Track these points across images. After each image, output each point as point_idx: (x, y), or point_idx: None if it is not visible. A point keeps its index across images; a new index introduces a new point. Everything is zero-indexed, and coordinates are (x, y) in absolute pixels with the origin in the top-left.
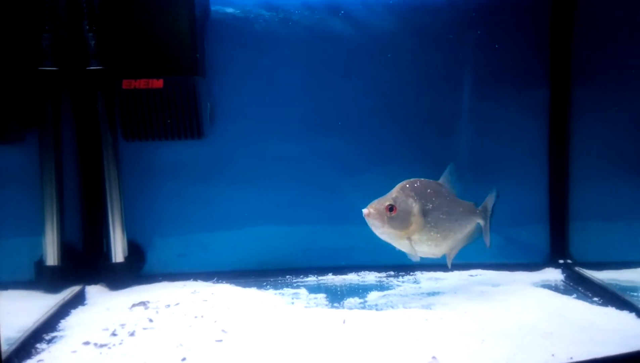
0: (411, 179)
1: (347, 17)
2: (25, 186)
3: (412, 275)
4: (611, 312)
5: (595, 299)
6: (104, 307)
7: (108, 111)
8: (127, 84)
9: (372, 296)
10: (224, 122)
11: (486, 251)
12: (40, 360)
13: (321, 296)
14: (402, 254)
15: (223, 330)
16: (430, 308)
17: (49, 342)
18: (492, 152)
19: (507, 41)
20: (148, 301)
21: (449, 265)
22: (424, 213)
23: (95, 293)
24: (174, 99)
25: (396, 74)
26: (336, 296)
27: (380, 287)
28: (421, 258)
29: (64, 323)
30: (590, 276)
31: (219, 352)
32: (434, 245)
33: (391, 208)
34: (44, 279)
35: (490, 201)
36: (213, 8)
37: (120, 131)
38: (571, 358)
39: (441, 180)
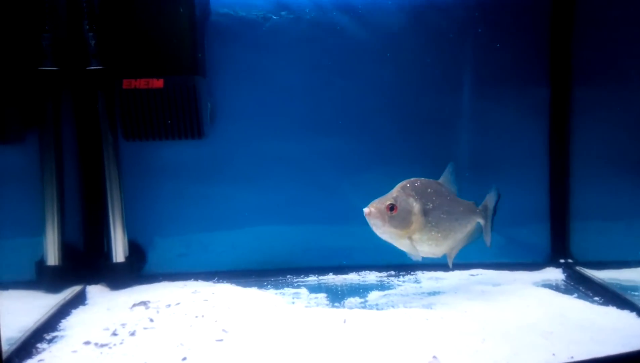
0: (411, 179)
1: (346, 17)
2: (25, 186)
3: (413, 274)
4: (612, 312)
5: (596, 298)
6: (104, 307)
7: (108, 111)
8: (127, 83)
9: (373, 295)
10: (225, 122)
11: (487, 250)
12: (40, 360)
13: (322, 296)
14: (403, 254)
15: (224, 330)
16: (431, 308)
17: (50, 341)
18: (493, 152)
19: (507, 41)
20: (149, 301)
21: (450, 265)
22: (425, 213)
23: (96, 293)
24: (174, 99)
25: (396, 74)
26: (337, 295)
27: (381, 287)
28: (422, 257)
29: (64, 323)
30: (591, 276)
31: (220, 352)
32: (434, 245)
33: (392, 207)
34: (44, 279)
35: (490, 200)
36: (213, 8)
37: (121, 130)
38: (572, 357)
39: (441, 180)
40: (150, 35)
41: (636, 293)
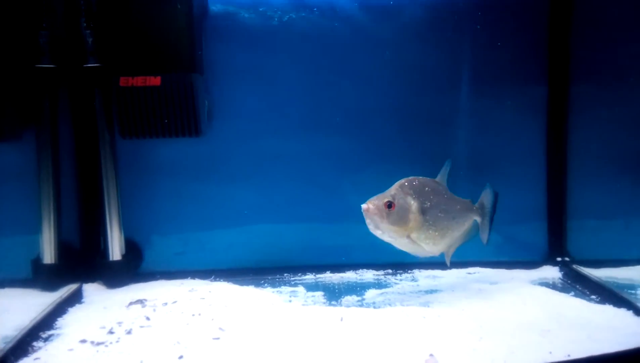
0: (409, 178)
1: (346, 16)
2: (22, 184)
3: (410, 272)
4: (609, 310)
5: (593, 297)
6: (101, 305)
7: (105, 109)
8: (124, 81)
9: (370, 294)
10: (222, 120)
11: (484, 249)
12: (37, 358)
13: (319, 294)
14: (400, 252)
15: (220, 328)
16: (428, 306)
17: (46, 340)
18: (491, 150)
19: (505, 40)
20: (145, 300)
21: (448, 263)
22: (423, 211)
23: (93, 291)
24: (172, 97)
25: (394, 73)
26: (334, 294)
27: (378, 285)
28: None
29: (60, 322)
30: (587, 274)
31: (216, 350)
32: (432, 243)
33: (390, 205)
34: (41, 277)
35: (485, 197)
36: (211, 5)
37: (118, 128)
38: (569, 355)
39: (438, 178)
40: (147, 33)
41: (633, 292)
